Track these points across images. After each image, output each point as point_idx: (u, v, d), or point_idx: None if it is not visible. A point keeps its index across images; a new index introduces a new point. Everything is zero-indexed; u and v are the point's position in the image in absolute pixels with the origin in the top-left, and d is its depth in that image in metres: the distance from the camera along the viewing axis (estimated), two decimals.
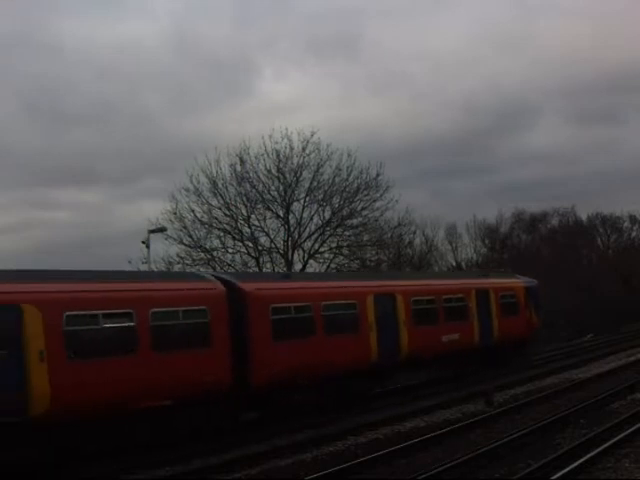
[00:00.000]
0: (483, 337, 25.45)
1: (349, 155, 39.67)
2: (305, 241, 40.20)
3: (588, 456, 12.58)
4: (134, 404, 14.51)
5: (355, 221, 40.56)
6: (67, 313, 13.89)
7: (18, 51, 77.24)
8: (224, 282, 17.49)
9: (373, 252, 43.13)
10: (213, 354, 16.28)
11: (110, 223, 73.67)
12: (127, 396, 14.45)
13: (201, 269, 37.45)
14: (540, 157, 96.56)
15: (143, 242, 34.58)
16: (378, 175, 39.94)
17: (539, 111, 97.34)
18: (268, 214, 39.55)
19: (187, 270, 36.74)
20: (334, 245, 40.83)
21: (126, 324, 14.92)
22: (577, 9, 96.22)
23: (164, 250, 38.31)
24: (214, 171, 38.64)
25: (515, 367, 26.52)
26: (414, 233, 53.36)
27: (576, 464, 12.01)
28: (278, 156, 38.96)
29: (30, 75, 75.48)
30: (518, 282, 29.05)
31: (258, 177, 39.17)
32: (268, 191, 39.30)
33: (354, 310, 20.42)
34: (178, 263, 38.03)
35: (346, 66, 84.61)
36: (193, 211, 38.55)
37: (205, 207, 38.77)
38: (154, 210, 47.43)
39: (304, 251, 40.17)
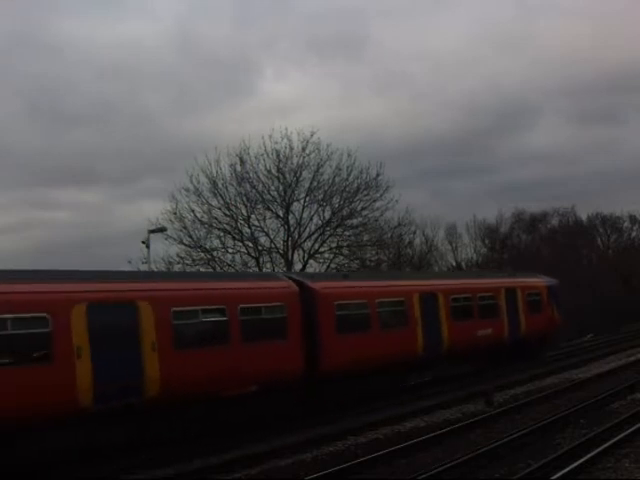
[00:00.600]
0: (512, 332, 27.18)
1: (349, 155, 39.72)
2: (305, 241, 40.22)
3: (588, 456, 12.58)
4: (226, 389, 16.42)
5: (355, 221, 40.59)
6: (174, 309, 15.76)
7: (18, 51, 77.34)
8: (296, 282, 19.39)
9: (373, 252, 43.15)
10: (289, 345, 18.21)
11: (110, 223, 73.77)
12: (221, 382, 16.28)
13: (201, 269, 37.51)
14: (540, 157, 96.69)
15: (143, 242, 34.61)
16: (378, 175, 39.97)
17: (539, 111, 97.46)
18: (268, 214, 39.59)
19: (187, 270, 36.86)
20: (334, 245, 40.85)
21: (220, 318, 16.80)
22: (577, 9, 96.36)
23: (164, 250, 38.38)
24: (214, 171, 38.67)
25: (539, 361, 28.45)
26: (414, 233, 53.38)
27: (576, 464, 12.02)
28: (278, 156, 38.98)
29: (30, 75, 75.57)
30: (542, 281, 30.75)
31: (258, 177, 39.20)
32: (268, 191, 39.33)
33: (403, 307, 22.44)
34: (178, 263, 38.06)
35: (346, 66, 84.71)
36: (193, 211, 38.58)
37: (205, 207, 38.80)
38: (154, 210, 47.58)
39: (304, 251, 40.19)
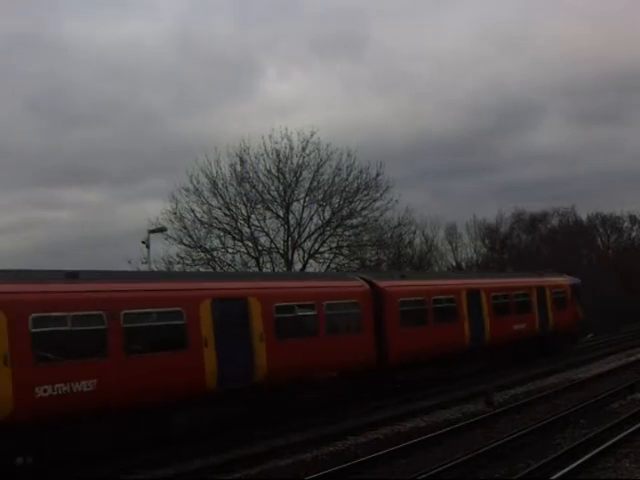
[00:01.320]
0: (542, 326, 30.17)
1: (349, 155, 39.76)
2: (305, 241, 40.24)
3: (588, 456, 12.58)
4: (314, 374, 19.01)
5: (355, 221, 40.62)
6: (276, 304, 18.11)
7: (21, 51, 77.40)
8: (367, 281, 21.84)
9: (373, 252, 43.18)
10: (364, 337, 20.81)
11: (113, 223, 73.81)
12: (310, 368, 18.77)
13: (201, 269, 37.52)
14: (542, 157, 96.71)
15: (143, 242, 34.63)
16: (378, 175, 40.02)
17: (541, 111, 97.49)
18: (268, 214, 39.62)
19: (187, 270, 36.89)
20: (334, 245, 40.88)
21: (311, 313, 19.35)
22: (579, 9, 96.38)
23: (164, 250, 38.39)
24: (214, 171, 38.70)
25: (565, 353, 31.24)
26: (414, 233, 53.42)
27: (576, 464, 12.01)
28: (278, 156, 39.01)
29: (32, 75, 75.61)
30: (566, 281, 33.93)
31: (258, 177, 39.23)
32: (268, 191, 39.36)
33: (453, 303, 25.18)
34: (178, 263, 38.10)
35: (348, 66, 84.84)
36: (193, 211, 38.62)
37: (205, 207, 38.84)
38: (156, 210, 47.46)
39: (304, 251, 40.21)
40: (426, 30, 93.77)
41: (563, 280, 33.68)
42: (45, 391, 13.30)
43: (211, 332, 16.31)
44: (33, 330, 13.40)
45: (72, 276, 14.86)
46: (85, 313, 14.34)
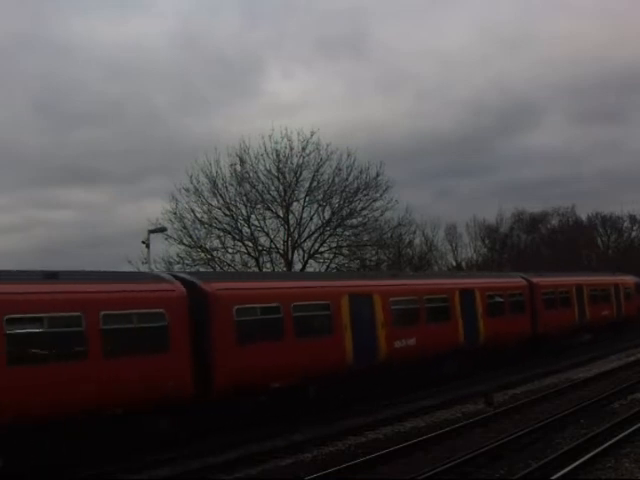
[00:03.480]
0: (617, 314, 37.94)
1: (349, 155, 39.79)
2: (305, 241, 40.26)
3: (588, 456, 12.57)
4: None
5: (355, 221, 40.65)
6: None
7: (26, 50, 77.32)
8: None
9: (373, 252, 43.20)
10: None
11: (114, 223, 73.84)
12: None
13: (201, 269, 37.53)
14: (544, 157, 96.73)
15: (143, 242, 34.62)
16: (378, 175, 40.05)
17: (543, 110, 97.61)
18: (268, 214, 39.64)
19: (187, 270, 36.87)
20: (334, 245, 40.91)
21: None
22: (582, 8, 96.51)
23: (164, 250, 38.39)
24: (214, 171, 38.73)
25: (631, 337, 37.41)
26: (414, 233, 53.45)
27: (576, 464, 12.01)
28: (278, 156, 39.03)
29: (37, 74, 75.68)
30: (632, 279, 42.34)
31: (258, 177, 39.25)
32: (268, 191, 39.38)
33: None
34: (178, 263, 38.10)
35: (352, 65, 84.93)
36: (193, 211, 38.64)
37: (205, 207, 38.86)
38: (159, 210, 47.54)
39: (304, 251, 40.23)
40: (429, 29, 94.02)
41: (630, 278, 42.32)
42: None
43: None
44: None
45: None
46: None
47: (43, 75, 75.89)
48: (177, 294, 16.17)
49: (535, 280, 30.23)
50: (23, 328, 13.53)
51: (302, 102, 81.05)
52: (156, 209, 63.94)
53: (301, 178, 39.43)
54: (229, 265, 39.08)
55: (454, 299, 24.71)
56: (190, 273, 21.77)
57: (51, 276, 14.65)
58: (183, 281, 16.74)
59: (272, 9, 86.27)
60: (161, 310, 15.65)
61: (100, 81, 72.73)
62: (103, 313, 14.53)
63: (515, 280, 29.74)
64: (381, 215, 40.90)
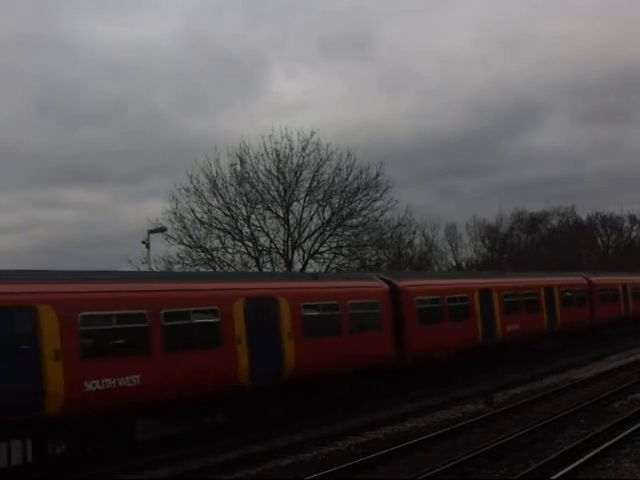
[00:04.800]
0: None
1: (349, 155, 39.78)
2: (305, 241, 40.25)
3: (588, 456, 12.57)
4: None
5: (355, 221, 40.64)
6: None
7: (27, 50, 77.37)
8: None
9: (373, 252, 43.19)
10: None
11: (116, 223, 73.86)
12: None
13: (201, 269, 37.55)
14: (545, 157, 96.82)
15: (143, 242, 34.63)
16: (378, 175, 40.04)
17: (545, 110, 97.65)
18: (268, 214, 39.64)
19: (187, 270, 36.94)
20: (334, 245, 40.90)
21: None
22: (583, 8, 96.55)
23: (164, 250, 38.40)
24: (214, 171, 38.72)
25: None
26: (414, 233, 53.47)
27: (576, 464, 12.01)
28: (278, 156, 39.02)
29: (39, 74, 75.67)
30: None
31: (258, 177, 39.24)
32: (268, 191, 39.38)
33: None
34: (178, 263, 38.10)
35: (355, 65, 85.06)
36: (193, 211, 38.63)
37: (205, 207, 38.85)
38: (161, 210, 47.55)
39: (304, 251, 40.23)
40: (430, 29, 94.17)
41: None
42: None
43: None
44: None
45: None
46: None
47: (45, 75, 76.05)
48: (384, 289, 22.03)
49: (593, 279, 35.49)
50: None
51: (305, 102, 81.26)
52: (157, 209, 64.12)
53: (301, 178, 39.48)
54: (229, 265, 39.10)
55: (541, 294, 30.40)
56: (388, 273, 27.54)
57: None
58: (385, 280, 22.66)
59: (276, 9, 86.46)
60: (376, 300, 21.49)
61: (102, 81, 72.91)
62: (350, 302, 20.28)
63: (579, 279, 35.36)
64: (381, 215, 40.96)
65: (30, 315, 13.18)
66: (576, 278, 35.39)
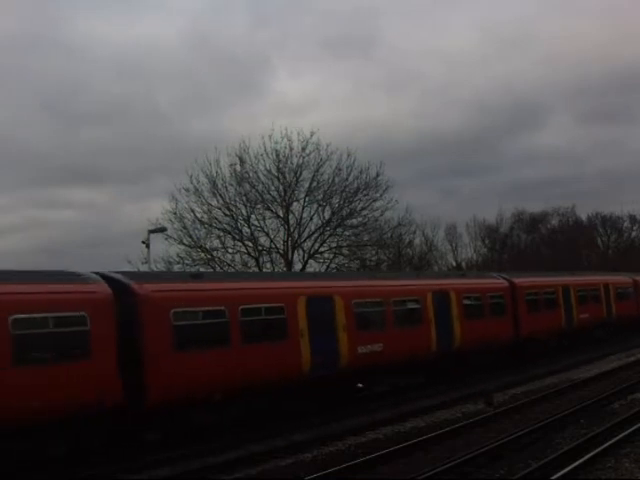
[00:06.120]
0: None
1: (349, 155, 39.78)
2: (305, 241, 40.26)
3: (588, 456, 12.57)
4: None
5: (355, 221, 40.65)
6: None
7: (33, 50, 77.46)
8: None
9: (373, 252, 43.19)
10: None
11: (117, 223, 73.87)
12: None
13: (201, 269, 37.53)
14: (547, 157, 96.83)
15: (143, 242, 34.63)
16: (378, 175, 40.05)
17: (547, 110, 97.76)
18: (268, 214, 39.65)
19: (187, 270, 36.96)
20: (334, 245, 40.91)
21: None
22: (584, 8, 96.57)
23: (164, 250, 38.40)
24: (214, 171, 38.72)
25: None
26: (414, 233, 53.47)
27: (576, 464, 12.01)
28: (278, 156, 39.02)
29: (44, 74, 75.70)
30: None
31: (258, 177, 39.25)
32: (268, 191, 39.39)
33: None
34: (178, 263, 38.10)
35: (358, 65, 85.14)
36: (193, 211, 38.64)
37: (205, 207, 38.85)
38: (162, 210, 47.50)
39: (304, 251, 40.24)
40: (433, 29, 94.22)
41: None
42: None
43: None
44: None
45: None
46: None
47: (49, 75, 76.06)
48: (506, 285, 28.18)
49: (519, 282, 35.46)
50: None
51: (308, 102, 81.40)
52: (159, 209, 64.00)
53: (301, 178, 39.49)
54: (229, 265, 39.11)
55: (601, 290, 36.02)
56: (508, 273, 32.16)
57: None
58: (504, 278, 28.74)
59: (279, 9, 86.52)
60: (502, 293, 27.83)
61: (106, 81, 72.95)
62: (489, 294, 26.91)
63: (626, 279, 40.58)
64: (381, 215, 40.97)
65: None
66: (624, 278, 40.56)
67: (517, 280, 29.17)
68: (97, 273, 15.32)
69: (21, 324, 12.99)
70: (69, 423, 13.58)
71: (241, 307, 16.99)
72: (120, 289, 15.01)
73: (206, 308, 16.61)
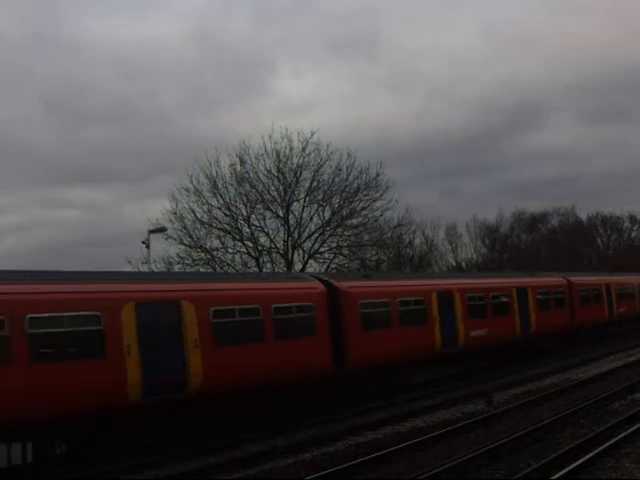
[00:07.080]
0: None
1: (349, 155, 39.76)
2: (305, 241, 40.23)
3: (588, 456, 12.57)
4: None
5: (355, 221, 40.62)
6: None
7: (38, 50, 77.52)
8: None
9: (373, 252, 43.17)
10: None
11: (121, 223, 73.87)
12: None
13: (201, 269, 37.54)
14: (550, 156, 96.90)
15: (143, 242, 34.62)
16: (378, 175, 40.03)
17: (550, 110, 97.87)
18: (268, 214, 39.62)
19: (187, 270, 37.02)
20: (334, 245, 40.87)
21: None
22: (589, 8, 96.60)
23: (164, 250, 38.39)
24: (214, 171, 38.71)
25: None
26: (414, 233, 53.47)
27: (576, 464, 12.01)
28: (278, 156, 39.00)
29: (49, 73, 75.69)
30: None
31: (258, 177, 39.22)
32: (268, 191, 39.36)
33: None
34: (178, 263, 38.09)
35: (361, 65, 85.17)
36: (193, 211, 38.62)
37: (205, 207, 38.83)
38: (162, 210, 47.41)
39: (304, 251, 40.21)
40: (437, 29, 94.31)
41: None
42: None
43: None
44: None
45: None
46: None
47: (54, 74, 76.11)
48: (565, 282, 33.24)
49: (575, 280, 39.38)
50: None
51: (311, 101, 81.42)
52: (159, 209, 63.88)
53: (301, 178, 39.46)
54: (229, 265, 39.10)
55: (635, 289, 41.28)
56: (565, 272, 36.21)
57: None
58: (564, 277, 33.83)
59: (283, 9, 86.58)
60: (563, 289, 32.67)
61: (109, 80, 72.94)
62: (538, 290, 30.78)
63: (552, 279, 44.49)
64: (381, 215, 40.93)
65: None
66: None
67: (573, 279, 34.28)
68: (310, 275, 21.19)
69: (277, 311, 18.09)
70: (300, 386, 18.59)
71: (398, 299, 22.38)
72: (327, 286, 19.97)
73: (377, 300, 21.76)
